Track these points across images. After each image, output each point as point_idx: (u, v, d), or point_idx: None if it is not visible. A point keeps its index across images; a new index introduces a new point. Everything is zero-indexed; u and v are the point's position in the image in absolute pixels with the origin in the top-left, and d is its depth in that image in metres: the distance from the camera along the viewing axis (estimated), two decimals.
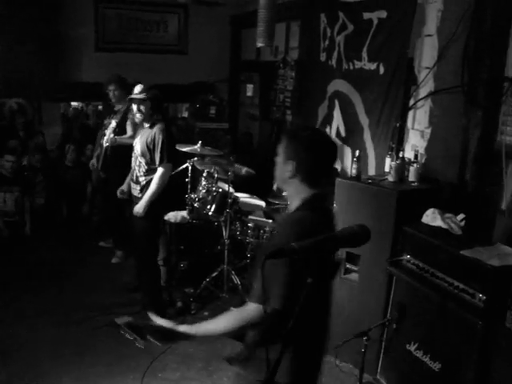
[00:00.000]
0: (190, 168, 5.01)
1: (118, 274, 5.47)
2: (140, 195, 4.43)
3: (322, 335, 2.24)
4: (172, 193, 4.60)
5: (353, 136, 4.94)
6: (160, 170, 4.35)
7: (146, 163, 4.40)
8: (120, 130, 5.48)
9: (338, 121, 5.22)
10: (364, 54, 4.64)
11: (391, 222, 3.62)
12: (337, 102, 5.21)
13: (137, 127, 4.83)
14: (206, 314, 4.66)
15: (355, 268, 3.96)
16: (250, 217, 4.99)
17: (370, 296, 3.83)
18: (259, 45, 4.77)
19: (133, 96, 4.37)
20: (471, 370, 2.94)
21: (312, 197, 2.11)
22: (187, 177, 5.01)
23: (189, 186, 4.99)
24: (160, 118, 4.46)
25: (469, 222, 3.42)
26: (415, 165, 3.88)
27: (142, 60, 7.66)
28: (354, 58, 4.82)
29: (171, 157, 4.41)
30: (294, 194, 2.16)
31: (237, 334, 2.12)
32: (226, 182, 4.89)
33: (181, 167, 5.02)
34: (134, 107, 4.38)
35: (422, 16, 3.98)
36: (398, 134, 4.22)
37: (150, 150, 4.35)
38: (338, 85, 5.16)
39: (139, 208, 4.35)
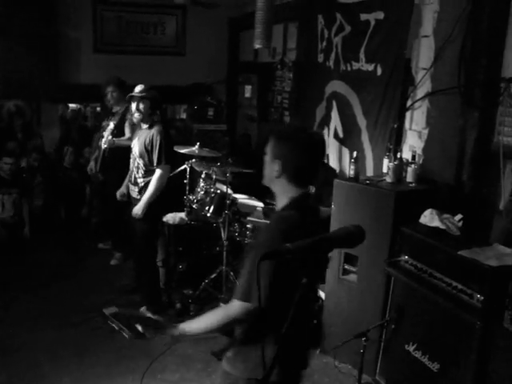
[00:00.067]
0: (188, 169, 5.02)
1: (117, 275, 5.47)
2: (138, 197, 4.44)
3: (307, 332, 2.27)
4: (170, 194, 4.61)
5: (351, 137, 4.95)
6: (158, 172, 4.36)
7: (145, 165, 4.40)
8: (118, 131, 5.48)
9: (335, 122, 5.23)
10: (361, 55, 4.65)
11: (389, 223, 3.63)
12: (334, 103, 5.21)
13: (135, 129, 4.84)
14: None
15: (354, 269, 3.96)
16: (248, 218, 5.00)
17: (369, 297, 3.84)
18: (257, 46, 4.78)
19: (133, 94, 4.39)
20: (470, 370, 2.95)
21: (299, 196, 2.13)
22: (185, 178, 5.02)
23: (187, 188, 5.00)
24: (158, 120, 4.48)
25: (466, 223, 3.43)
26: (413, 166, 3.89)
27: (140, 61, 7.66)
28: (351, 59, 4.83)
29: (169, 158, 4.43)
30: (281, 193, 2.17)
31: (222, 331, 2.14)
32: (224, 183, 4.89)
33: (179, 169, 5.03)
34: (133, 106, 4.40)
35: (418, 17, 3.99)
36: (396, 134, 4.23)
37: (148, 151, 4.36)
38: (335, 86, 5.17)
39: (138, 210, 4.36)
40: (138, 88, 4.44)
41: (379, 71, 4.42)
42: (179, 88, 7.88)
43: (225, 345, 2.16)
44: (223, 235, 4.84)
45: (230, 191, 4.82)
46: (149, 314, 2.19)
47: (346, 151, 5.07)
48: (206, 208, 4.79)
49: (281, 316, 2.06)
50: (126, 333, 2.12)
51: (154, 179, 4.35)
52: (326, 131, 5.37)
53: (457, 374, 3.04)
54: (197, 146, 5.04)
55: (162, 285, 4.93)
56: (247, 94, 8.04)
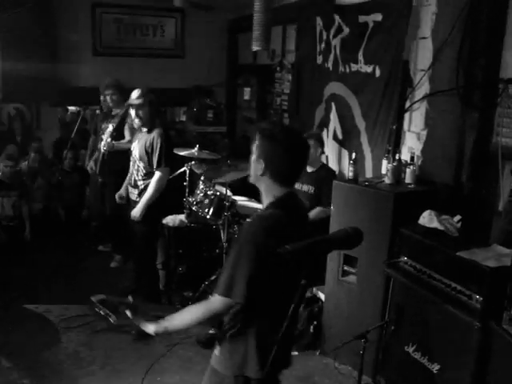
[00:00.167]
0: (187, 172, 5.03)
1: (117, 277, 5.47)
2: (138, 199, 4.44)
3: (291, 332, 2.30)
4: (170, 196, 4.61)
5: (350, 138, 4.96)
6: (158, 174, 4.36)
7: (145, 167, 4.41)
8: (117, 134, 5.49)
9: (334, 123, 5.24)
10: (360, 57, 4.66)
11: (388, 224, 3.63)
12: (333, 105, 5.22)
13: (135, 132, 4.85)
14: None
15: (353, 270, 3.97)
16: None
17: (368, 298, 3.84)
18: (255, 49, 4.78)
19: (131, 102, 4.38)
20: (469, 370, 2.95)
21: (283, 195, 2.15)
22: (185, 180, 5.03)
23: (187, 190, 5.00)
24: (158, 122, 4.47)
25: (465, 224, 3.43)
26: (412, 167, 3.90)
27: (140, 64, 7.67)
28: (350, 60, 4.84)
29: (169, 161, 4.43)
30: (266, 192, 2.20)
31: (204, 325, 2.17)
32: (223, 185, 4.90)
33: (178, 171, 5.03)
34: (132, 113, 4.39)
35: (416, 19, 4.00)
36: (395, 136, 4.23)
37: (148, 154, 4.36)
38: (334, 87, 5.18)
39: (136, 212, 4.36)
40: (135, 94, 4.39)
41: (378, 73, 4.43)
42: (178, 90, 7.90)
43: (211, 333, 2.18)
44: (223, 237, 4.84)
45: (229, 193, 4.82)
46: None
47: (345, 153, 5.07)
48: (206, 210, 4.79)
49: (264, 313, 2.09)
50: (112, 318, 2.17)
51: (153, 181, 4.35)
52: (325, 133, 5.38)
53: (456, 375, 3.04)
54: (196, 148, 5.05)
55: (162, 287, 4.93)
56: (246, 96, 8.05)
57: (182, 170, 5.08)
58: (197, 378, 3.88)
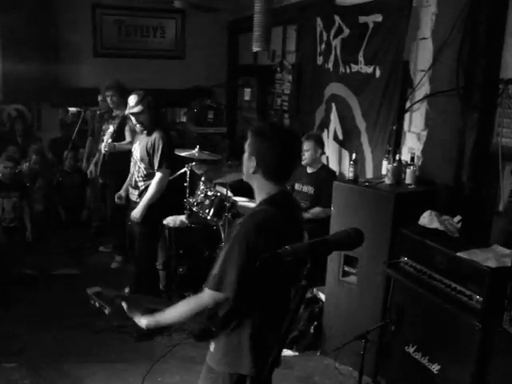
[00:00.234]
0: (188, 172, 5.03)
1: (118, 278, 5.47)
2: (138, 200, 4.44)
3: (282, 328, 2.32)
4: (170, 197, 4.62)
5: (350, 139, 4.97)
6: (158, 175, 4.36)
7: (145, 168, 4.41)
8: (118, 135, 5.49)
9: (335, 124, 5.24)
10: (360, 58, 4.66)
11: (388, 225, 3.63)
12: (334, 106, 5.23)
13: (135, 133, 4.84)
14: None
15: (353, 271, 3.97)
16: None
17: (369, 298, 3.84)
18: (255, 49, 4.79)
19: (130, 111, 4.34)
20: (469, 370, 2.95)
21: (276, 193, 2.16)
22: (185, 181, 5.03)
23: (187, 191, 5.01)
24: (159, 124, 4.47)
25: (465, 224, 3.43)
26: (412, 167, 3.90)
27: (140, 65, 7.69)
28: (350, 61, 4.84)
29: (170, 163, 4.42)
30: (258, 190, 2.21)
31: (195, 319, 2.19)
32: (224, 186, 4.90)
33: (179, 172, 5.04)
34: (133, 119, 4.37)
35: (416, 19, 4.00)
36: (395, 136, 4.24)
37: (149, 155, 4.36)
38: (334, 88, 5.18)
39: (137, 213, 4.36)
40: (132, 101, 4.31)
41: (378, 73, 4.43)
42: (179, 91, 7.91)
43: (204, 326, 2.20)
44: (223, 238, 4.85)
45: (229, 194, 4.83)
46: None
47: (345, 153, 5.08)
48: (206, 211, 4.79)
49: (258, 311, 2.10)
50: (107, 310, 2.18)
51: (154, 182, 4.35)
52: (325, 133, 5.39)
53: (457, 375, 3.04)
54: (197, 149, 5.05)
55: (163, 287, 4.94)
56: (247, 97, 8.05)
57: (182, 170, 5.08)
58: (197, 379, 3.89)
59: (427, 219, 3.49)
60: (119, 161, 5.28)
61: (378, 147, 4.46)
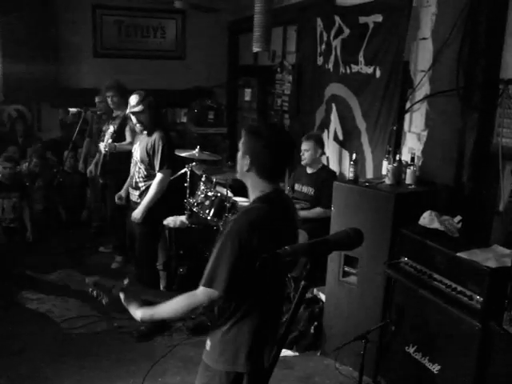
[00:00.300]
0: (188, 173, 5.03)
1: (118, 279, 5.46)
2: (139, 200, 4.44)
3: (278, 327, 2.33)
4: (171, 198, 4.62)
5: (350, 139, 4.97)
6: (159, 176, 4.36)
7: (146, 169, 4.41)
8: (118, 136, 5.49)
9: (335, 124, 5.24)
10: (361, 58, 4.66)
11: (389, 225, 3.63)
12: (334, 106, 5.23)
13: (136, 134, 4.84)
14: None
15: (354, 271, 3.97)
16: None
17: (369, 298, 3.84)
18: (256, 50, 4.79)
19: (131, 110, 4.35)
20: (470, 371, 2.95)
21: (269, 192, 2.18)
22: (186, 181, 5.03)
23: (187, 191, 5.01)
24: (159, 124, 4.47)
25: (466, 224, 3.43)
26: (412, 167, 3.90)
27: (140, 66, 7.69)
28: (350, 61, 4.84)
29: (171, 163, 4.42)
30: (252, 188, 2.23)
31: (188, 316, 2.20)
32: (224, 186, 4.91)
33: (179, 172, 5.04)
34: (134, 119, 4.38)
35: (416, 20, 4.00)
36: (395, 136, 4.24)
37: (149, 155, 4.36)
38: (335, 89, 5.19)
39: (137, 214, 4.36)
40: (133, 100, 4.32)
41: (378, 74, 4.43)
42: (179, 92, 7.91)
43: (201, 320, 2.21)
44: None
45: (230, 194, 4.83)
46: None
47: (345, 153, 5.08)
48: (207, 211, 4.79)
49: (255, 309, 2.10)
50: (104, 299, 2.19)
51: (155, 183, 4.35)
52: (325, 134, 5.39)
53: (457, 376, 3.04)
54: (197, 150, 5.05)
55: (163, 288, 4.93)
56: (247, 98, 8.05)
57: (182, 171, 5.08)
58: None
59: (427, 219, 3.49)
60: (119, 161, 5.29)
61: (379, 147, 4.46)
